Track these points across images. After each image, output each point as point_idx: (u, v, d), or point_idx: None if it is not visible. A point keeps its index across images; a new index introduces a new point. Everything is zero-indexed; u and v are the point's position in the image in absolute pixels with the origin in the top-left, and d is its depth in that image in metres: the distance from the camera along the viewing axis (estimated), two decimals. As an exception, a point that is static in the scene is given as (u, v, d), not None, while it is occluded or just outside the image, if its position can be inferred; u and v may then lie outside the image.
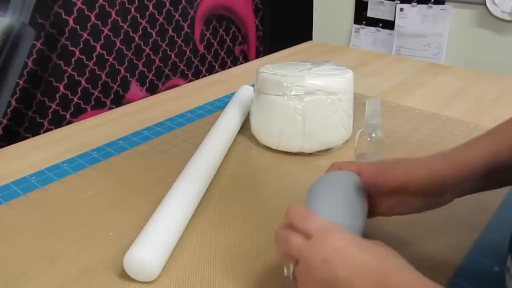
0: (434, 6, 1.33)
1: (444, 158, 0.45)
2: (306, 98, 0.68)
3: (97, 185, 0.66)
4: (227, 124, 0.75)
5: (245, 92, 0.85)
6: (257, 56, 1.71)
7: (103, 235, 0.56)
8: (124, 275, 0.49)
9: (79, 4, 1.17)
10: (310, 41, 1.38)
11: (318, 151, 0.72)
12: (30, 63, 1.11)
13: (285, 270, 0.41)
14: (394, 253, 0.38)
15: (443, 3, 1.32)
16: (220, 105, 0.91)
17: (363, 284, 0.35)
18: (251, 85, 0.81)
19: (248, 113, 0.79)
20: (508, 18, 1.21)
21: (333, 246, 0.37)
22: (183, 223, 0.55)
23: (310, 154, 0.72)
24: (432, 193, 0.45)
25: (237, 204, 0.61)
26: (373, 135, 0.63)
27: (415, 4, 1.36)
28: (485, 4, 1.23)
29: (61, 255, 0.53)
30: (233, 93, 0.89)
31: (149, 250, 0.49)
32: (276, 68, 0.73)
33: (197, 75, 1.54)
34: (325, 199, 0.45)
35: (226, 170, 0.69)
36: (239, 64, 1.61)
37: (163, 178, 0.66)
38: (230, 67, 1.62)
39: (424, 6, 1.35)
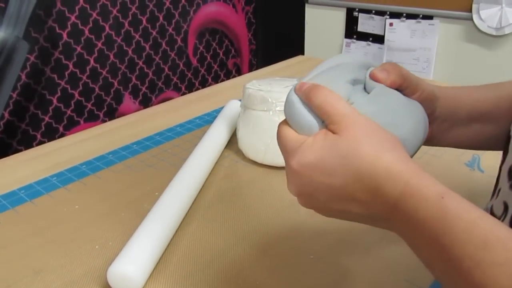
0: (422, 21, 1.36)
1: (438, 87, 0.45)
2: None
3: (84, 198, 0.67)
4: (214, 139, 0.77)
5: (233, 107, 0.86)
6: (250, 69, 1.73)
7: (89, 248, 0.57)
8: (108, 288, 0.50)
9: (73, 18, 1.19)
10: (301, 56, 1.40)
11: (302, 165, 0.73)
12: (23, 76, 1.12)
13: None
14: (382, 150, 0.32)
15: (431, 18, 1.34)
16: (209, 119, 0.93)
17: (345, 206, 0.33)
18: (240, 100, 0.83)
19: (235, 128, 0.81)
20: (494, 33, 1.24)
21: (299, 183, 0.34)
22: (167, 236, 0.56)
23: (295, 168, 0.73)
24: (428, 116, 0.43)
25: (222, 218, 0.62)
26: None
27: (404, 19, 1.39)
28: (472, 19, 1.26)
29: (47, 268, 0.54)
30: (222, 107, 0.90)
31: (132, 264, 0.50)
32: (262, 84, 0.75)
33: (190, 88, 1.55)
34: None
35: (212, 184, 0.70)
36: (232, 77, 1.63)
37: (150, 192, 0.67)
38: (223, 80, 1.64)
39: (412, 21, 1.38)
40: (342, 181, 0.32)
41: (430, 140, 0.46)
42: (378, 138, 0.33)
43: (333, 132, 0.33)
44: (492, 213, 0.39)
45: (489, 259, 0.26)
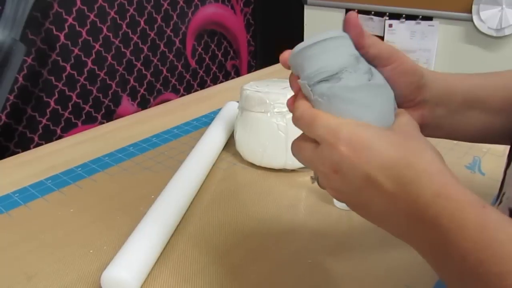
0: (422, 22, 1.35)
1: (430, 71, 0.43)
2: (288, 115, 0.69)
3: (79, 202, 0.66)
4: (211, 141, 0.76)
5: (231, 108, 0.85)
6: (249, 71, 1.72)
7: (83, 253, 0.56)
8: (102, 294, 0.49)
9: (70, 20, 1.18)
10: (300, 57, 1.39)
11: (301, 168, 0.72)
12: (20, 79, 1.12)
13: (311, 180, 0.38)
14: (429, 148, 0.33)
15: (431, 19, 1.33)
16: (206, 121, 0.92)
17: (384, 181, 0.31)
18: (237, 102, 0.82)
19: (233, 130, 0.80)
20: (494, 34, 1.23)
21: (342, 152, 0.32)
22: (163, 240, 0.55)
23: (293, 171, 0.72)
24: (411, 95, 0.41)
25: (219, 221, 0.61)
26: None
27: (404, 20, 1.38)
28: (472, 20, 1.25)
29: (40, 273, 0.53)
30: (220, 109, 0.89)
31: (126, 269, 0.49)
32: (259, 85, 0.74)
33: (189, 90, 1.55)
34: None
35: (209, 187, 0.70)
36: (231, 79, 1.63)
37: (146, 195, 0.67)
38: (222, 81, 1.63)
39: (412, 22, 1.37)
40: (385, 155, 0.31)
41: (424, 130, 0.43)
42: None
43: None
44: None
45: None
